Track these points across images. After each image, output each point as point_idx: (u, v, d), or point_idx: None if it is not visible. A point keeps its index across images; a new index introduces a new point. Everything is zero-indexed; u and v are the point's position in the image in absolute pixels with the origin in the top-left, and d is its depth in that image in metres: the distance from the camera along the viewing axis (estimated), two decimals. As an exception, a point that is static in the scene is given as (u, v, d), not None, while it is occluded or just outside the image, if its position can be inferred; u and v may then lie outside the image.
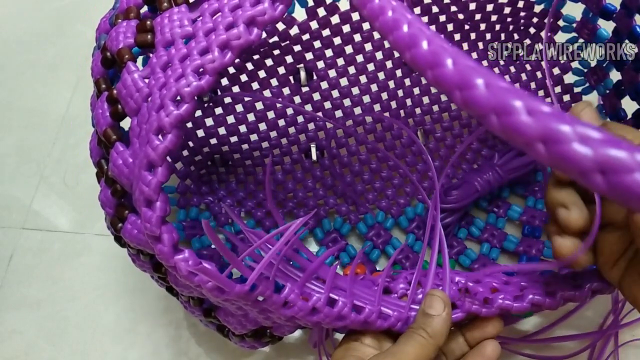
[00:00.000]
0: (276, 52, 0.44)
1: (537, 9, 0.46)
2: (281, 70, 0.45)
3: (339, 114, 0.48)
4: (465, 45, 0.48)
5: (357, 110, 0.48)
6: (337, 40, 0.44)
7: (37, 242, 0.49)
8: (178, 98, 0.25)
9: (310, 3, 0.41)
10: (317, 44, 0.45)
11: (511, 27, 0.47)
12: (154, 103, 0.26)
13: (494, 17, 0.46)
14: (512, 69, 0.49)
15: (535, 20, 0.47)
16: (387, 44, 0.46)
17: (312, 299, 0.27)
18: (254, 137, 0.47)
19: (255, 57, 0.44)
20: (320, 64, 0.46)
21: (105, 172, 0.28)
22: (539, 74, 0.49)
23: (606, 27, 0.42)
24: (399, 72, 0.47)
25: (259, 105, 0.46)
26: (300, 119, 0.48)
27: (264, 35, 0.42)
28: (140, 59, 0.33)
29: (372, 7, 0.18)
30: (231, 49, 0.26)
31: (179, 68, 0.26)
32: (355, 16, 0.43)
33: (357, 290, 0.30)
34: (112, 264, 0.47)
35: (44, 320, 0.45)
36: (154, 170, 0.24)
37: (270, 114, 0.47)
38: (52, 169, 0.52)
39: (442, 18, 0.45)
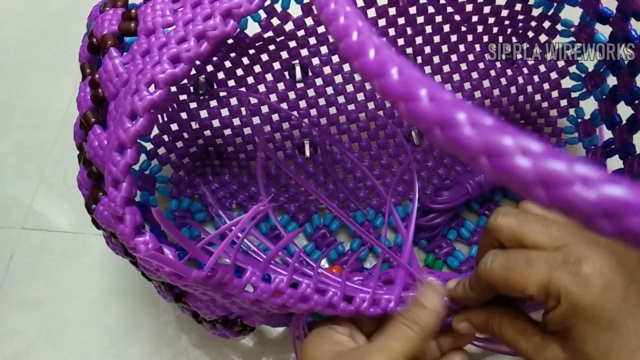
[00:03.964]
0: (271, 47, 0.45)
1: (535, 12, 0.46)
2: (276, 65, 0.46)
3: (332, 110, 0.48)
4: (462, 47, 0.48)
5: (351, 108, 0.48)
6: (332, 37, 0.45)
7: (37, 242, 0.49)
8: (153, 84, 0.26)
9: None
10: (312, 40, 0.45)
11: (509, 30, 0.47)
12: (129, 87, 0.26)
13: (491, 20, 0.46)
14: (509, 71, 0.49)
15: (533, 23, 0.46)
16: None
17: (274, 281, 0.28)
18: (247, 130, 0.48)
19: (251, 51, 0.45)
20: (315, 61, 0.46)
21: (84, 154, 0.29)
22: (536, 78, 0.49)
23: (603, 32, 0.42)
24: (394, 71, 0.47)
25: (253, 100, 0.47)
26: (294, 114, 0.48)
27: (259, 29, 0.43)
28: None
29: (327, 12, 0.19)
30: (207, 39, 0.26)
31: (157, 55, 0.27)
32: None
33: (324, 276, 0.30)
34: (112, 264, 0.47)
35: (44, 320, 0.46)
36: (124, 152, 0.25)
37: (264, 109, 0.47)
38: (52, 169, 0.53)
39: (439, 19, 0.45)
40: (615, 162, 0.42)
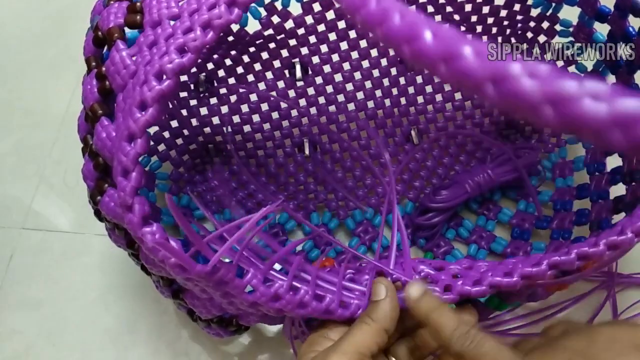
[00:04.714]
0: (272, 45, 0.45)
1: (534, 12, 0.46)
2: (276, 63, 0.46)
3: (332, 109, 0.48)
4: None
5: (351, 107, 0.48)
6: (332, 36, 0.45)
7: (37, 242, 0.49)
8: (161, 74, 0.26)
9: (306, -3, 0.42)
10: (312, 39, 0.45)
11: (508, 30, 0.48)
12: (138, 78, 0.26)
13: (490, 20, 0.47)
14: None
15: (532, 24, 0.47)
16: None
17: (274, 286, 0.28)
18: (247, 128, 0.48)
19: (251, 49, 0.45)
20: (316, 59, 0.46)
21: (90, 146, 0.29)
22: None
23: (602, 31, 0.42)
24: (393, 70, 0.47)
25: (253, 97, 0.47)
26: (294, 112, 0.48)
27: (259, 27, 0.43)
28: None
29: None
30: (212, 28, 0.26)
31: (164, 46, 0.27)
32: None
33: (321, 280, 0.30)
34: (112, 264, 0.47)
35: (44, 320, 0.45)
36: (134, 141, 0.25)
37: (264, 106, 0.47)
38: (52, 169, 0.52)
39: (438, 18, 0.46)
40: (614, 161, 0.42)
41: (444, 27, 0.15)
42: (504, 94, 0.14)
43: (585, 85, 0.12)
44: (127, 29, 0.30)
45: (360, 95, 0.48)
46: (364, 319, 0.29)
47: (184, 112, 0.46)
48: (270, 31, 0.44)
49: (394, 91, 0.48)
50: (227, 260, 0.28)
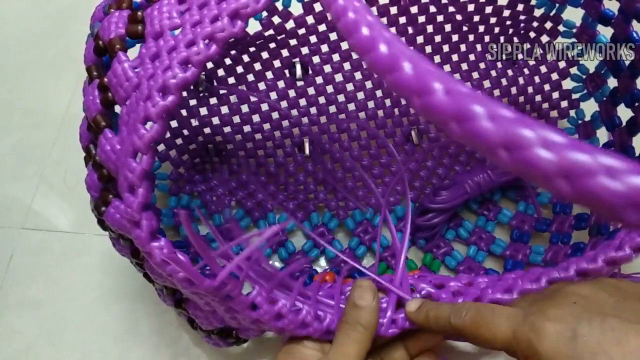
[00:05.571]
0: (272, 45, 0.44)
1: (537, 13, 0.46)
2: (277, 63, 0.46)
3: (332, 109, 0.48)
4: (463, 47, 0.48)
5: (351, 107, 0.48)
6: (332, 36, 0.45)
7: (37, 242, 0.49)
8: (165, 89, 0.26)
9: (307, -3, 0.41)
10: (312, 38, 0.45)
11: (510, 30, 0.47)
12: (141, 93, 0.26)
13: (492, 20, 0.46)
14: (510, 72, 0.49)
15: (535, 24, 0.46)
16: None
17: (278, 304, 0.28)
18: (247, 128, 0.48)
19: (252, 49, 0.44)
20: (316, 59, 0.46)
21: (93, 157, 0.29)
22: (537, 79, 0.49)
23: (605, 33, 0.42)
24: (395, 71, 0.47)
25: (253, 97, 0.47)
26: (294, 112, 0.48)
27: (260, 28, 0.43)
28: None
29: (335, 8, 0.18)
30: (215, 41, 0.26)
31: (167, 59, 0.26)
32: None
33: (322, 298, 0.31)
34: (112, 264, 0.47)
35: (44, 320, 0.45)
36: (140, 158, 0.25)
37: (264, 106, 0.47)
38: (52, 169, 0.52)
39: (440, 18, 0.45)
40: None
41: (458, 82, 0.15)
42: (517, 162, 0.13)
43: (599, 159, 0.12)
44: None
45: (360, 95, 0.48)
46: (354, 327, 0.29)
47: (184, 112, 0.46)
48: (270, 31, 0.43)
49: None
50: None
